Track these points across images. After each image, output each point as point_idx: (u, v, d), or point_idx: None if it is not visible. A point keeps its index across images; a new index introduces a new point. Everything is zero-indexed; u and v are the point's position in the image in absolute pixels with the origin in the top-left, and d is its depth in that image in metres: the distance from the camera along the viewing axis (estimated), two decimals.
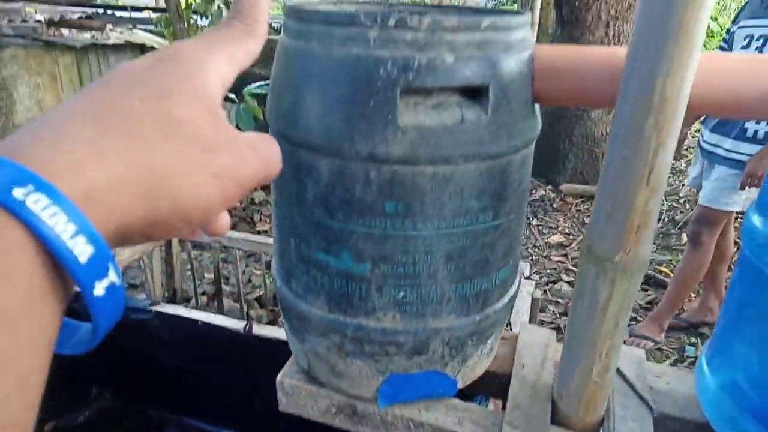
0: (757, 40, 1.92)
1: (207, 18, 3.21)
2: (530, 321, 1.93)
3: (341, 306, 0.66)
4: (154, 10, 4.98)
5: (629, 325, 2.40)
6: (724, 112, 0.61)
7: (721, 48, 2.18)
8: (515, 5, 6.98)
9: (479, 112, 0.58)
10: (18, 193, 0.19)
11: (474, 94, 0.59)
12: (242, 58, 0.29)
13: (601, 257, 0.61)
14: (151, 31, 3.89)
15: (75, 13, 3.66)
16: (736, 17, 2.11)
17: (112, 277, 0.22)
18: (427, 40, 0.54)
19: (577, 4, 3.44)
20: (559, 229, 3.43)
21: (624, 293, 0.63)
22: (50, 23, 3.35)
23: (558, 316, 2.61)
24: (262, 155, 0.27)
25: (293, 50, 0.60)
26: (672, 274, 2.56)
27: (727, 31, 2.15)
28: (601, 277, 0.62)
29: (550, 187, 3.95)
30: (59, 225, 0.19)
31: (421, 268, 0.63)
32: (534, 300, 1.98)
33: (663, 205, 3.55)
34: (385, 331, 0.66)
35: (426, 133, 0.56)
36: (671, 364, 2.29)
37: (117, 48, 3.60)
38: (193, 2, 3.31)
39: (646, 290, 2.75)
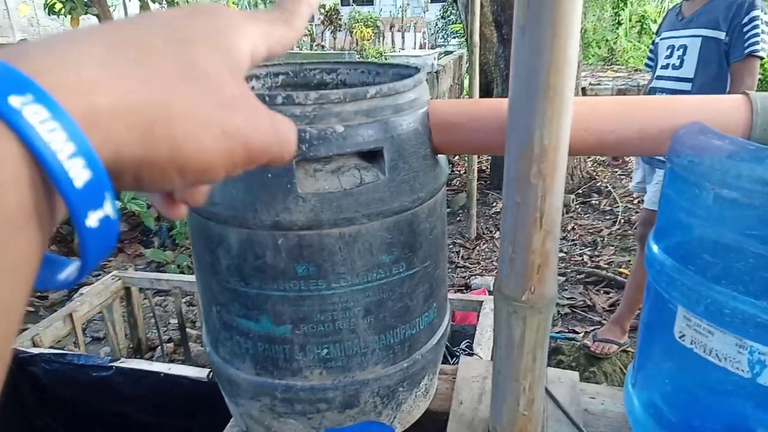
0: (678, 49, 2.03)
1: None
2: None
3: (267, 368, 0.67)
4: None
5: (593, 330, 2.45)
6: (606, 151, 0.65)
7: (648, 58, 2.29)
8: (460, 24, 7.18)
9: (377, 172, 0.61)
10: (15, 101, 0.17)
11: (370, 156, 0.61)
12: (276, 39, 0.28)
13: (509, 297, 0.64)
14: None
15: None
16: (658, 30, 2.22)
17: (108, 209, 0.20)
18: (316, 114, 0.57)
19: None
20: None
21: (537, 329, 0.66)
22: None
23: None
24: (279, 130, 0.26)
25: None
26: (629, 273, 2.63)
27: (652, 42, 2.27)
28: (512, 316, 0.65)
29: None
30: (57, 142, 0.18)
31: (341, 324, 0.65)
32: None
33: (618, 206, 3.66)
34: (314, 389, 0.67)
35: (327, 198, 0.59)
36: None
37: None
38: None
39: (608, 293, 2.81)
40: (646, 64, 2.32)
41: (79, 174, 0.18)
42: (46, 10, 3.00)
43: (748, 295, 0.55)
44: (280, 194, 0.58)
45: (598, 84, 6.68)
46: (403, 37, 13.05)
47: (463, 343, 1.74)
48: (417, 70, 0.73)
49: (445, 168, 0.73)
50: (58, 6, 3.03)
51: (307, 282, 0.62)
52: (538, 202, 0.60)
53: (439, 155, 0.71)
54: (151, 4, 3.13)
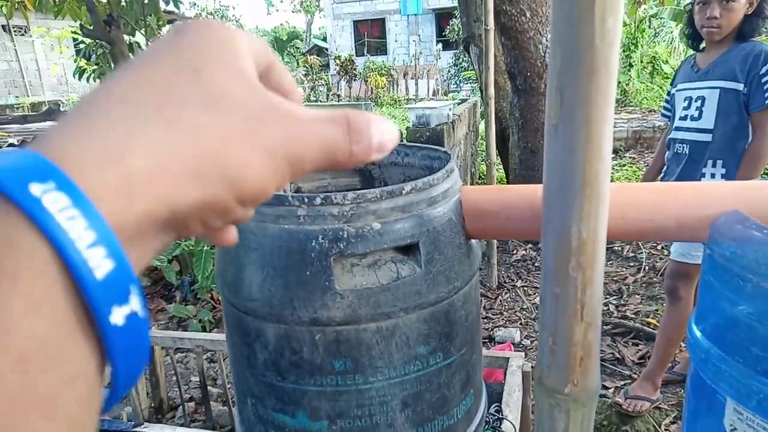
0: (696, 101, 2.05)
1: None
2: (523, 396, 1.91)
3: None
4: None
5: (624, 386, 2.37)
6: (644, 237, 0.65)
7: (665, 108, 2.30)
8: (472, 71, 7.33)
9: (413, 265, 0.61)
10: (36, 189, 0.16)
11: (406, 249, 0.62)
12: (264, 55, 0.26)
13: (551, 389, 0.63)
14: None
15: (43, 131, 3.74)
16: (673, 80, 2.24)
17: (135, 305, 0.18)
18: (354, 212, 0.58)
19: (529, 74, 3.62)
20: None
21: (581, 422, 0.64)
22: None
23: None
24: (323, 135, 0.24)
25: None
26: (659, 325, 2.56)
27: (668, 93, 2.28)
28: (555, 409, 0.63)
29: (530, 245, 4.00)
30: (75, 230, 0.17)
31: (379, 418, 0.63)
32: (525, 374, 1.96)
33: (642, 252, 3.61)
34: None
35: (364, 294, 0.59)
36: (672, 422, 2.26)
37: None
38: None
39: (637, 344, 2.74)
40: (663, 114, 2.33)
41: (99, 264, 0.17)
42: (76, 75, 3.13)
43: None
44: (318, 291, 0.58)
45: (614, 126, 6.70)
46: (416, 84, 13.35)
47: (493, 407, 1.69)
48: (448, 155, 0.75)
49: (479, 252, 0.73)
50: (89, 70, 3.17)
51: (344, 377, 0.61)
52: (579, 294, 0.59)
53: (472, 240, 0.71)
54: None
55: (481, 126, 6.28)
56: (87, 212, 0.17)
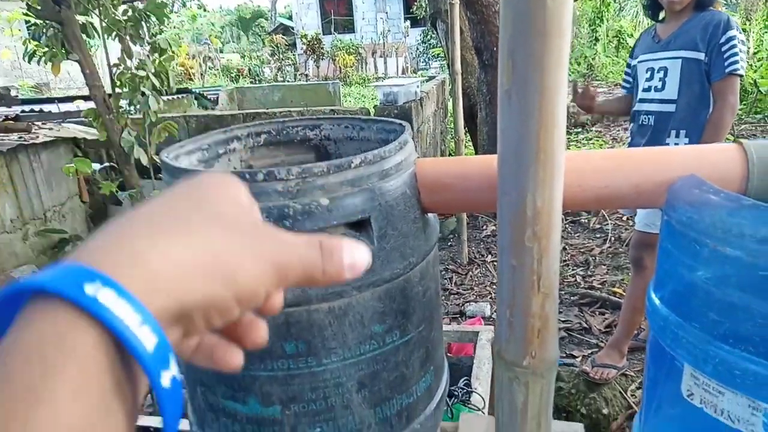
0: (659, 71, 2.05)
1: (134, 105, 3.17)
2: (493, 368, 1.92)
3: None
4: (85, 98, 4.92)
5: (591, 354, 2.42)
6: (602, 205, 0.64)
7: (625, 80, 2.31)
8: (440, 48, 7.27)
9: (366, 242, 0.59)
10: (90, 289, 0.21)
11: (358, 225, 0.59)
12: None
13: (510, 362, 0.62)
14: (82, 123, 3.83)
15: None
16: (633, 51, 2.24)
17: (174, 369, 0.23)
18: (299, 188, 0.54)
19: (495, 48, 3.59)
20: None
21: (540, 394, 0.63)
22: None
23: None
24: (303, 255, 0.28)
25: None
26: (625, 294, 2.61)
27: (628, 65, 2.28)
28: (514, 382, 0.62)
29: None
30: (126, 315, 0.21)
31: (334, 400, 0.61)
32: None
33: (607, 224, 3.67)
34: None
35: None
36: (637, 388, 2.32)
37: (48, 144, 3.52)
38: (121, 90, 3.27)
39: (603, 314, 2.79)
40: (623, 87, 2.34)
41: (148, 339, 0.21)
42: (26, 58, 2.96)
43: (758, 356, 0.52)
44: None
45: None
46: (385, 63, 13.21)
47: (462, 381, 1.70)
48: (403, 126, 0.72)
49: (436, 226, 0.70)
50: (39, 52, 3.01)
51: (296, 360, 0.59)
52: (535, 265, 0.58)
53: (429, 214, 0.69)
54: (132, 47, 3.12)
55: (450, 103, 6.26)
56: (130, 300, 0.21)
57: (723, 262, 0.54)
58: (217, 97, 6.27)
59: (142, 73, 3.25)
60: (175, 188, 0.28)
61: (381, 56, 13.41)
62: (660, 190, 0.60)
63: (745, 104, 6.28)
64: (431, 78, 6.23)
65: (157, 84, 3.35)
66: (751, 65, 6.76)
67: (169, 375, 0.22)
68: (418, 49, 13.77)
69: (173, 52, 3.55)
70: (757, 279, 0.51)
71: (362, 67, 13.55)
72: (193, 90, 6.58)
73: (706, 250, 0.55)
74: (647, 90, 2.09)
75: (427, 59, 13.04)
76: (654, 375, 0.67)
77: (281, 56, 14.39)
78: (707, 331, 0.56)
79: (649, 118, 2.09)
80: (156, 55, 3.39)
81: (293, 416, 0.61)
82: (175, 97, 5.70)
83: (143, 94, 3.19)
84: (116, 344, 0.21)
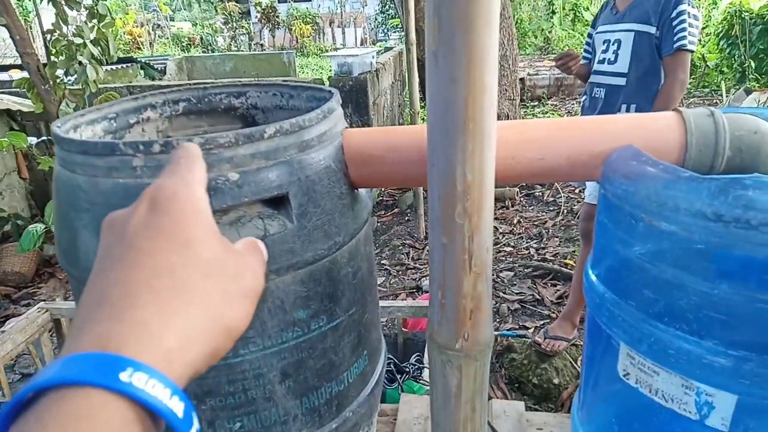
0: (613, 44, 2.04)
1: (71, 75, 2.97)
2: None
3: None
4: (21, 67, 4.59)
5: (543, 325, 2.46)
6: (536, 179, 0.60)
7: (585, 50, 2.30)
8: (399, 19, 7.12)
9: (284, 221, 0.53)
10: (124, 376, 0.23)
11: (276, 203, 0.54)
12: (204, 179, 0.33)
13: (442, 345, 0.58)
14: (17, 94, 3.57)
15: None
16: (594, 22, 2.23)
17: (196, 423, 0.26)
18: (204, 161, 0.48)
19: None
20: None
21: (474, 377, 0.60)
22: None
23: None
24: (258, 271, 0.32)
25: (62, 181, 0.52)
26: (575, 266, 2.65)
27: (589, 35, 2.27)
28: (447, 365, 0.59)
29: None
30: (159, 392, 0.24)
31: (255, 393, 0.57)
32: None
33: (560, 197, 3.72)
34: None
35: None
36: None
37: None
38: (57, 59, 3.06)
39: (555, 285, 2.84)
40: (584, 57, 2.33)
41: (178, 408, 0.24)
42: None
43: (692, 335, 0.51)
44: None
45: (536, 74, 6.80)
46: (343, 33, 12.91)
47: (413, 357, 1.69)
48: (331, 93, 0.66)
49: (368, 201, 0.66)
50: None
51: None
52: (466, 243, 0.54)
53: (359, 189, 0.64)
54: (68, 12, 2.91)
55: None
56: (160, 379, 0.24)
57: (658, 237, 0.51)
58: (165, 67, 5.98)
59: (79, 40, 3.04)
60: (155, 229, 0.29)
61: (339, 26, 13.10)
62: (596, 161, 0.56)
63: (693, 78, 6.44)
64: (389, 49, 6.12)
65: (95, 52, 3.13)
66: (699, 40, 6.92)
67: (194, 430, 0.26)
68: (376, 19, 13.50)
69: (114, 18, 3.33)
70: (691, 255, 0.49)
71: (320, 38, 13.21)
72: (139, 59, 6.25)
73: (642, 224, 0.52)
74: (601, 62, 2.08)
75: (386, 30, 12.81)
76: (591, 353, 0.65)
77: (235, 25, 13.86)
78: (642, 309, 0.54)
79: (600, 91, 2.09)
80: (95, 21, 3.16)
81: (210, 411, 0.56)
82: (119, 66, 5.40)
83: (80, 63, 2.98)
84: (142, 417, 0.24)
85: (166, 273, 0.28)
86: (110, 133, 0.68)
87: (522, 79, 6.63)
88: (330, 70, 3.98)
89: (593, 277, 0.62)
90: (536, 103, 6.37)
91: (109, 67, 5.09)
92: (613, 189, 0.55)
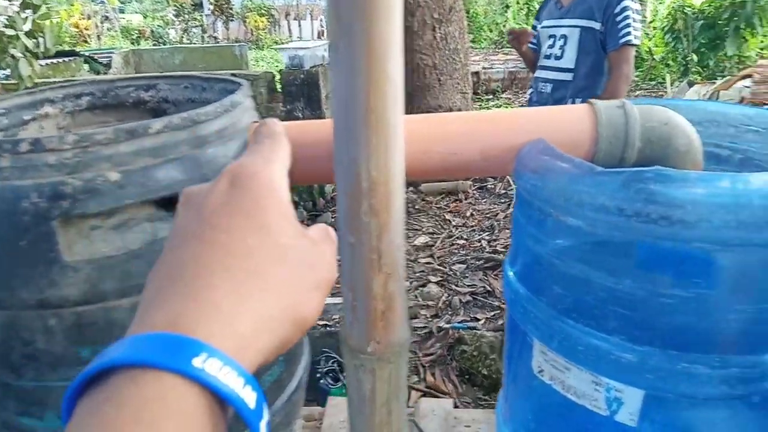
0: (559, 39, 2.06)
1: (3, 69, 2.81)
2: None
3: None
4: None
5: (494, 316, 2.49)
6: (451, 174, 0.59)
7: (532, 42, 2.32)
8: None
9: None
10: (197, 362, 0.23)
11: (169, 204, 0.50)
12: (287, 162, 0.34)
13: (355, 349, 0.56)
14: None
15: None
16: (538, 14, 2.25)
17: (266, 415, 0.25)
18: (79, 160, 0.44)
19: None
20: (424, 229, 3.50)
21: (389, 381, 0.58)
22: None
23: (430, 319, 2.64)
24: (330, 259, 0.31)
25: None
26: None
27: (534, 27, 2.29)
28: (360, 370, 0.57)
29: (410, 189, 4.02)
30: (232, 381, 0.23)
31: None
32: None
33: (512, 189, 3.77)
34: None
35: (107, 265, 0.47)
36: None
37: None
38: None
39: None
40: (532, 49, 2.35)
41: (250, 398, 0.24)
42: None
43: (599, 330, 0.50)
44: (41, 264, 0.45)
45: (491, 68, 6.87)
46: (299, 25, 12.72)
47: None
48: (239, 85, 0.62)
49: None
50: None
51: None
52: (374, 242, 0.52)
53: None
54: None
55: None
56: (233, 367, 0.24)
57: (565, 233, 0.50)
58: (111, 61, 5.74)
59: (11, 32, 2.87)
60: (233, 208, 0.28)
61: (295, 18, 12.90)
62: (508, 155, 0.55)
63: (641, 71, 6.65)
64: None
65: (30, 45, 2.97)
66: (646, 34, 7.14)
67: (264, 422, 0.24)
68: None
69: (50, 8, 3.17)
70: (596, 250, 0.48)
71: (275, 30, 12.98)
72: (83, 53, 5.98)
73: (550, 219, 0.51)
74: (548, 57, 2.11)
75: None
76: (510, 350, 0.65)
77: (187, 17, 13.45)
78: (553, 305, 0.54)
79: (547, 86, 2.11)
80: (29, 12, 3.00)
81: None
82: (60, 60, 5.16)
83: (13, 56, 2.82)
84: (211, 404, 0.23)
85: (242, 255, 0.26)
86: (1, 131, 0.63)
87: (477, 73, 6.69)
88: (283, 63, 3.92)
89: (510, 274, 0.61)
90: (491, 96, 6.44)
91: (48, 61, 4.85)
92: (523, 184, 0.53)
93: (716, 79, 5.15)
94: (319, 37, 12.26)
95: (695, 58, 5.84)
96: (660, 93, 5.80)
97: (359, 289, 0.54)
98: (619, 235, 0.45)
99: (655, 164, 0.55)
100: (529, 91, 2.27)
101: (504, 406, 0.69)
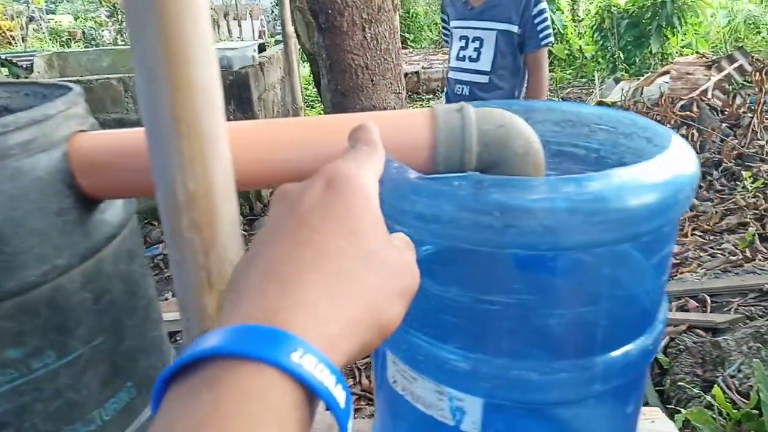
0: (474, 41, 2.07)
1: None
2: None
3: None
4: None
5: None
6: (286, 181, 0.56)
7: (445, 35, 2.33)
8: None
9: None
10: (295, 357, 0.23)
11: None
12: (380, 169, 0.35)
13: None
14: None
15: None
16: (443, 9, 2.25)
17: (352, 414, 0.27)
18: None
19: (330, 11, 3.47)
20: None
21: None
22: None
23: None
24: (413, 268, 0.32)
25: None
26: None
27: (444, 20, 2.29)
28: None
29: None
30: (326, 378, 0.23)
31: None
32: None
33: None
34: None
35: None
36: None
37: None
38: None
39: None
40: (445, 40, 2.37)
41: (341, 397, 0.24)
42: None
43: (437, 339, 0.49)
44: None
45: (430, 67, 6.94)
46: (239, 26, 12.47)
47: None
48: (57, 91, 0.58)
49: (109, 218, 0.58)
50: None
51: None
52: (201, 260, 0.48)
53: (103, 201, 0.57)
54: None
55: (307, 69, 6.06)
56: (327, 365, 0.24)
57: None
58: (32, 64, 5.43)
59: None
60: (326, 208, 0.29)
61: (235, 18, 12.63)
62: None
63: (573, 69, 6.88)
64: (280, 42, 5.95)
65: None
66: (578, 33, 7.39)
67: (351, 422, 0.25)
68: (273, 11, 13.17)
69: None
70: (426, 258, 0.47)
71: (215, 31, 12.68)
72: (0, 55, 5.63)
73: (387, 228, 0.49)
74: (462, 59, 2.12)
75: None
76: (375, 362, 0.63)
77: (120, 18, 12.93)
78: None
79: (463, 89, 2.13)
80: None
81: None
82: None
83: None
84: (304, 399, 0.23)
85: (334, 257, 0.27)
86: None
87: (417, 73, 6.74)
88: None
89: None
90: (431, 96, 6.50)
91: None
92: None
93: (642, 75, 5.39)
94: (260, 37, 12.05)
95: (621, 55, 6.08)
96: (591, 90, 6.01)
97: (190, 309, 0.50)
98: (440, 242, 0.44)
99: (496, 168, 0.54)
100: (445, 89, 2.30)
101: (376, 416, 0.67)
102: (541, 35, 1.96)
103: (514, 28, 1.99)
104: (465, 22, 2.09)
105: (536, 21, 1.96)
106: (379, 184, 0.34)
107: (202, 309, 0.50)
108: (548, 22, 1.96)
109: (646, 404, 1.81)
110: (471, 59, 2.08)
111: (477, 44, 2.07)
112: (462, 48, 2.10)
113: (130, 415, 0.61)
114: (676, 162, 0.47)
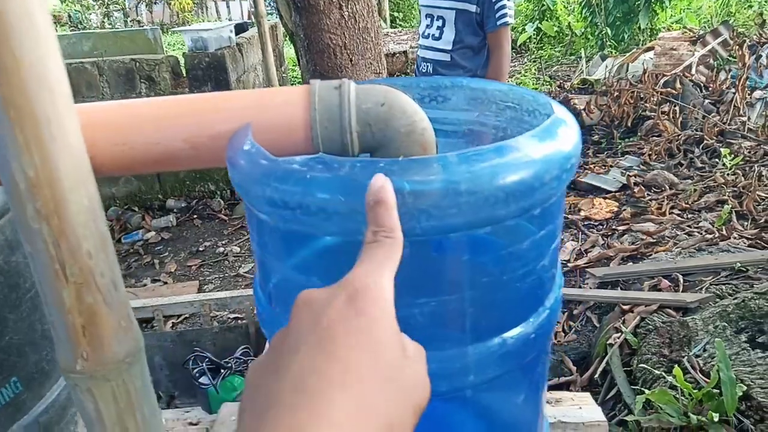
0: (437, 20, 2.04)
1: None
2: None
3: None
4: None
5: None
6: (158, 167, 0.53)
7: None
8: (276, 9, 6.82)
9: None
10: None
11: None
12: (398, 261, 0.34)
13: (64, 368, 0.50)
14: None
15: None
16: None
17: None
18: None
19: None
20: None
21: (114, 399, 0.52)
22: None
23: None
24: (426, 382, 0.32)
25: None
26: None
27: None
28: (77, 389, 0.51)
29: None
30: None
31: None
32: None
33: None
34: None
35: None
36: None
37: None
38: None
39: None
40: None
41: None
42: None
43: None
44: None
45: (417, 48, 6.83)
46: (228, 7, 12.28)
47: (240, 350, 1.61)
48: None
49: None
50: None
51: None
52: (53, 251, 0.46)
53: None
54: None
55: (291, 49, 5.97)
56: None
57: (263, 229, 0.46)
58: None
59: None
60: (349, 324, 0.29)
61: (223, 0, 12.43)
62: (218, 143, 0.50)
63: (562, 46, 6.78)
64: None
65: None
66: (568, 10, 7.28)
67: None
68: None
69: None
70: (280, 243, 0.44)
71: (203, 12, 12.48)
72: None
73: (255, 216, 0.47)
74: (426, 37, 2.10)
75: (274, 2, 12.33)
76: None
77: (108, 1, 12.71)
78: (283, 305, 0.49)
79: (427, 66, 2.10)
80: None
81: None
82: None
83: None
84: None
85: (356, 372, 0.28)
86: None
87: (405, 52, 6.65)
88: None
89: (260, 293, 0.56)
90: (401, 76, 6.42)
91: None
92: (232, 175, 0.48)
93: (630, 51, 5.31)
94: (249, 17, 11.87)
95: (609, 32, 5.99)
96: (580, 67, 5.93)
97: (50, 303, 0.48)
98: (295, 228, 0.41)
99: (382, 150, 0.51)
100: (413, 66, 2.28)
101: None
102: (497, 14, 1.95)
103: (472, 8, 1.98)
104: (431, 1, 2.06)
105: (494, 1, 1.94)
106: (392, 285, 0.33)
107: (62, 303, 0.47)
108: (505, 2, 1.94)
109: (594, 389, 1.81)
110: (434, 37, 2.05)
111: (440, 23, 2.05)
112: (428, 26, 2.08)
113: (18, 410, 0.59)
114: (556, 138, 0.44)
